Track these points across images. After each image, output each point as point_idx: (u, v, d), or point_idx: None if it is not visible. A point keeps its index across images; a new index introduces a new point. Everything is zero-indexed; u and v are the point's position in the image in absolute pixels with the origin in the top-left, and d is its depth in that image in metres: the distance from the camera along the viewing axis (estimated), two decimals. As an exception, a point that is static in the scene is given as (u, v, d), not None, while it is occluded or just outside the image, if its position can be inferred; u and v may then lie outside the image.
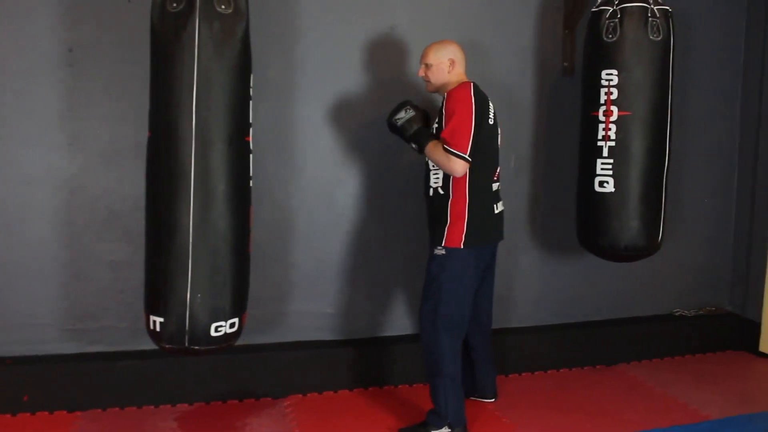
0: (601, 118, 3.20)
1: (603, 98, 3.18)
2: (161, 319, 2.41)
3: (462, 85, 2.86)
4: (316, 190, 3.44)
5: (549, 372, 3.70)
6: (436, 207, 2.90)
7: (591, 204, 3.26)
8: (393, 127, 2.95)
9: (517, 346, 3.70)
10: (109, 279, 3.21)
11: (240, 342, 2.68)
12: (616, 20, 3.14)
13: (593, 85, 3.23)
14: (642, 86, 3.14)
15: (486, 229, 2.94)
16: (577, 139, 3.42)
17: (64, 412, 3.04)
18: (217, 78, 2.38)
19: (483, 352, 3.22)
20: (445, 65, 2.92)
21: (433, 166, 2.89)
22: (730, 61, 4.15)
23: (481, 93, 2.87)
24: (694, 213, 4.12)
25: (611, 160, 3.18)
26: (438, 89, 2.97)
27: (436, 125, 2.91)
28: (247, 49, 2.50)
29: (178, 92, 2.34)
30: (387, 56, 3.47)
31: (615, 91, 3.15)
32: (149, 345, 3.14)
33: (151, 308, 2.46)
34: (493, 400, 3.30)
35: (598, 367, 3.79)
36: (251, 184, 2.61)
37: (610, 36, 3.15)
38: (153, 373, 3.18)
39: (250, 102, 2.56)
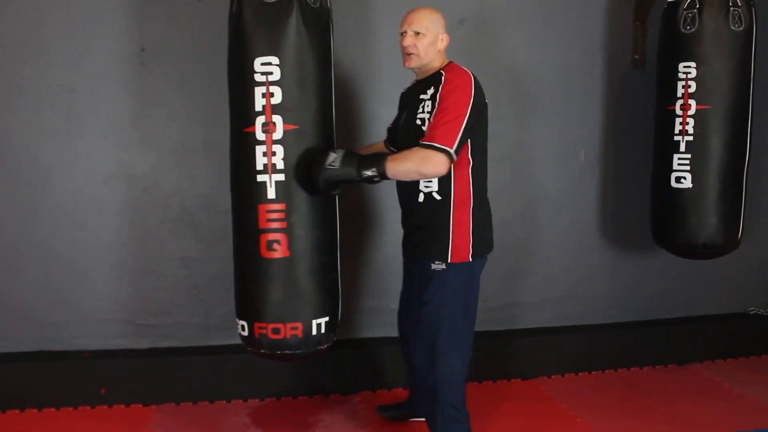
0: (678, 112, 3.11)
1: (680, 92, 3.10)
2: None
3: (462, 69, 2.41)
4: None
5: (619, 371, 3.63)
6: (430, 215, 2.46)
7: (667, 200, 3.19)
8: (333, 179, 2.28)
9: (588, 343, 3.64)
10: (181, 275, 3.25)
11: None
12: (695, 11, 3.04)
13: (669, 78, 3.15)
14: (722, 79, 3.05)
15: (490, 235, 2.56)
16: (649, 134, 3.34)
17: (140, 405, 3.09)
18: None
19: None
20: (439, 40, 2.45)
21: None
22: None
23: (480, 84, 2.42)
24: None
25: (689, 155, 3.10)
26: (421, 66, 2.48)
27: (421, 114, 2.41)
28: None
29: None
30: (456, 50, 3.41)
31: (693, 84, 3.07)
32: (220, 341, 3.23)
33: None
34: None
35: (669, 366, 3.70)
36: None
37: (688, 27, 3.06)
38: (224, 369, 3.20)
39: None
